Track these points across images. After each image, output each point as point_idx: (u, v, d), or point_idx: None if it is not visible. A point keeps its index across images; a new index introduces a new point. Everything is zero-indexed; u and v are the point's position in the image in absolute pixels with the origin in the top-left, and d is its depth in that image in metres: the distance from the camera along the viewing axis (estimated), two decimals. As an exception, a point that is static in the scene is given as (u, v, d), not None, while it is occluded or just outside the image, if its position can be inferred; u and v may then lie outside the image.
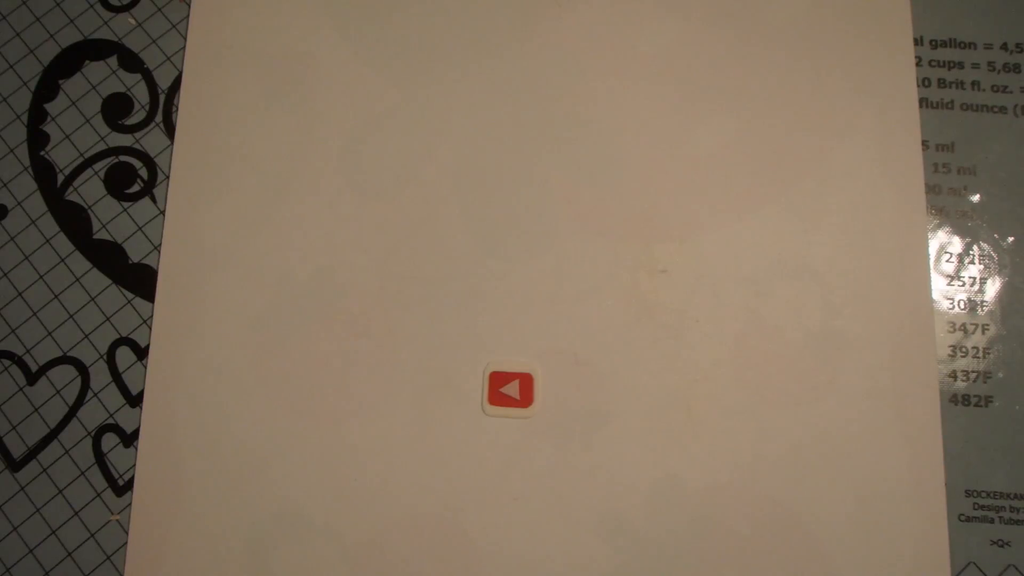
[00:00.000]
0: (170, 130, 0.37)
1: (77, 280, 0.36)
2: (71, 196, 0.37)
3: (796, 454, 0.34)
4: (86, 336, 0.35)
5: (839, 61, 0.37)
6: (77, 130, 0.37)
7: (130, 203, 0.37)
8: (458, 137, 0.36)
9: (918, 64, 0.37)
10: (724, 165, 0.36)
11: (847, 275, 0.35)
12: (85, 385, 0.35)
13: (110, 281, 0.36)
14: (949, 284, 0.35)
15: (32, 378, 0.35)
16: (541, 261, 0.35)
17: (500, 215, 0.36)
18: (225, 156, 0.37)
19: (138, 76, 0.38)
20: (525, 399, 0.34)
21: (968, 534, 0.33)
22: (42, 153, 0.37)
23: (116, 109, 0.38)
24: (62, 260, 0.36)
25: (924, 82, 0.37)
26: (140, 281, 0.36)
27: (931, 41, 0.37)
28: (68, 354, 0.35)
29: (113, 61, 0.38)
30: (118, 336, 0.35)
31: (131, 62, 0.38)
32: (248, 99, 0.37)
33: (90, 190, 0.37)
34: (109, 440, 0.34)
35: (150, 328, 0.35)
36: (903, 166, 0.36)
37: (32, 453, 0.34)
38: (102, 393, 0.35)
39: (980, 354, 0.35)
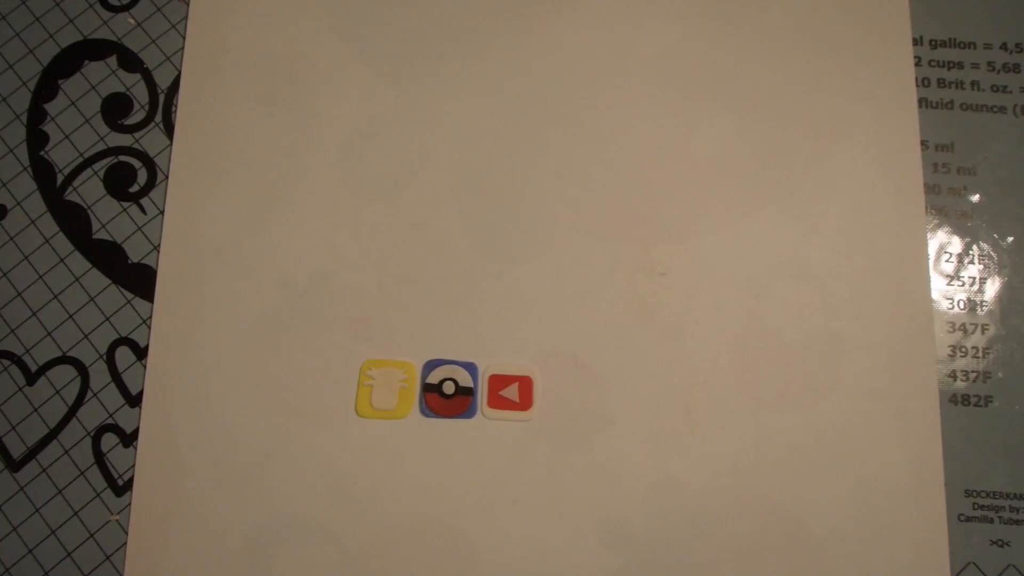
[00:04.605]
0: (169, 130, 0.37)
1: (77, 280, 0.36)
2: (70, 196, 0.37)
3: (796, 455, 0.34)
4: (86, 336, 0.35)
5: (838, 61, 0.37)
6: (76, 130, 0.37)
7: (129, 203, 0.37)
8: (457, 138, 0.36)
9: (917, 64, 0.37)
10: (723, 167, 0.36)
11: (847, 276, 0.35)
12: (85, 385, 0.35)
13: (109, 281, 0.36)
14: (949, 284, 0.35)
15: (32, 378, 0.35)
16: (540, 263, 0.35)
17: (499, 217, 0.36)
18: (225, 156, 0.37)
19: (137, 76, 0.38)
20: (524, 402, 0.34)
21: (968, 534, 0.33)
22: (41, 153, 0.37)
23: (115, 109, 0.38)
24: (62, 260, 0.36)
25: (923, 82, 0.37)
26: (139, 281, 0.36)
27: (931, 41, 0.37)
28: (68, 354, 0.35)
29: (112, 61, 0.38)
30: (118, 336, 0.35)
31: (130, 62, 0.38)
32: (247, 99, 0.37)
33: (89, 190, 0.37)
34: (109, 440, 0.34)
35: (150, 328, 0.35)
36: (902, 166, 0.36)
37: (32, 453, 0.34)
38: (102, 393, 0.35)
39: (980, 354, 0.35)
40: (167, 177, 0.37)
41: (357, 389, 0.34)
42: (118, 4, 0.39)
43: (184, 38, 0.38)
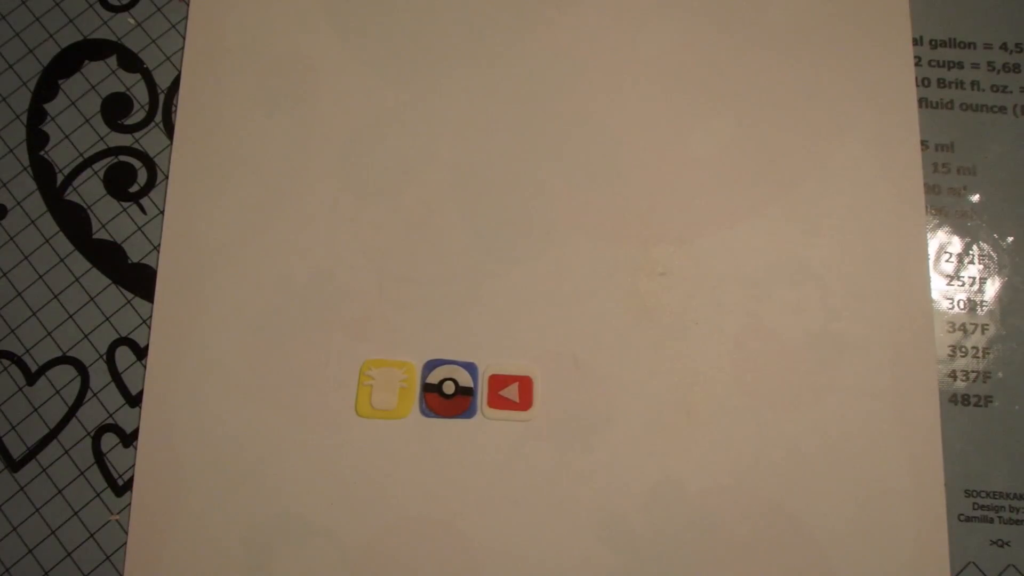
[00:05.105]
0: (169, 130, 0.37)
1: (77, 280, 0.36)
2: (70, 196, 0.37)
3: (796, 455, 0.34)
4: (86, 336, 0.35)
5: (838, 62, 0.37)
6: (76, 130, 0.37)
7: (129, 203, 0.37)
8: (457, 139, 0.36)
9: (917, 64, 0.37)
10: (723, 167, 0.36)
11: (847, 276, 0.35)
12: (85, 385, 0.35)
13: (110, 281, 0.36)
14: (949, 284, 0.35)
15: (32, 378, 0.35)
16: (540, 263, 0.35)
17: (499, 217, 0.36)
18: (225, 156, 0.37)
19: (137, 76, 0.38)
20: (524, 402, 0.34)
21: (968, 534, 0.33)
22: (41, 153, 0.37)
23: (115, 109, 0.38)
24: (62, 260, 0.36)
25: (923, 82, 0.37)
26: (140, 281, 0.36)
27: (931, 41, 0.37)
28: (68, 354, 0.35)
29: (112, 61, 0.38)
30: (118, 336, 0.35)
31: (130, 62, 0.38)
32: (247, 99, 0.37)
33: (89, 190, 0.37)
34: (108, 440, 0.34)
35: (150, 328, 0.35)
36: (902, 166, 0.36)
37: (32, 453, 0.34)
38: (102, 393, 0.35)
39: (980, 354, 0.35)
40: (167, 177, 0.37)
41: (357, 389, 0.34)
42: (118, 4, 0.39)
43: (184, 38, 0.38)
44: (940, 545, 0.33)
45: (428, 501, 0.33)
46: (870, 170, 0.36)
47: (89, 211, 0.37)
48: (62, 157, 0.37)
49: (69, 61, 0.38)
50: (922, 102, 0.37)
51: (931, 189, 0.36)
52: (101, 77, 0.38)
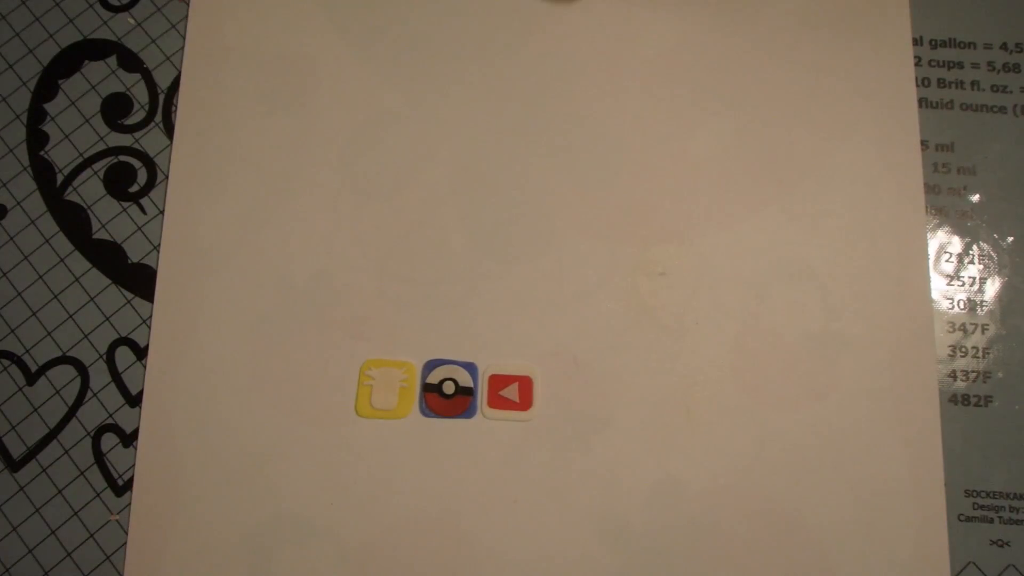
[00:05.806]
0: (169, 130, 0.37)
1: (77, 280, 0.36)
2: (70, 196, 0.37)
3: (796, 455, 0.34)
4: (86, 336, 0.35)
5: (838, 62, 0.37)
6: (76, 130, 0.37)
7: (129, 203, 0.37)
8: (457, 139, 0.36)
9: (917, 64, 0.37)
10: (723, 167, 0.36)
11: (847, 276, 0.35)
12: (85, 385, 0.35)
13: (109, 281, 0.36)
14: (949, 284, 0.35)
15: (32, 378, 0.35)
16: (540, 263, 0.35)
17: (499, 217, 0.36)
18: (225, 156, 0.37)
19: (137, 76, 0.38)
20: (524, 402, 0.34)
21: (968, 534, 0.33)
22: (41, 153, 0.37)
23: (115, 109, 0.38)
24: (62, 260, 0.36)
25: (924, 82, 0.37)
26: (139, 281, 0.36)
27: (931, 41, 0.37)
28: (68, 354, 0.35)
29: (112, 61, 0.38)
30: (117, 336, 0.35)
31: (130, 62, 0.38)
32: (247, 99, 0.37)
33: (89, 190, 0.37)
34: (108, 440, 0.34)
35: (149, 328, 0.35)
36: (903, 166, 0.36)
37: (32, 453, 0.34)
38: (102, 393, 0.35)
39: (980, 354, 0.35)
40: (167, 177, 0.37)
41: (357, 389, 0.34)
42: (118, 4, 0.39)
43: (184, 38, 0.38)
44: (940, 545, 0.33)
45: (428, 501, 0.33)
46: (870, 170, 0.36)
47: (89, 211, 0.37)
48: (62, 157, 0.37)
49: (69, 61, 0.38)
50: (922, 102, 0.37)
51: (931, 189, 0.36)
52: (101, 77, 0.38)
